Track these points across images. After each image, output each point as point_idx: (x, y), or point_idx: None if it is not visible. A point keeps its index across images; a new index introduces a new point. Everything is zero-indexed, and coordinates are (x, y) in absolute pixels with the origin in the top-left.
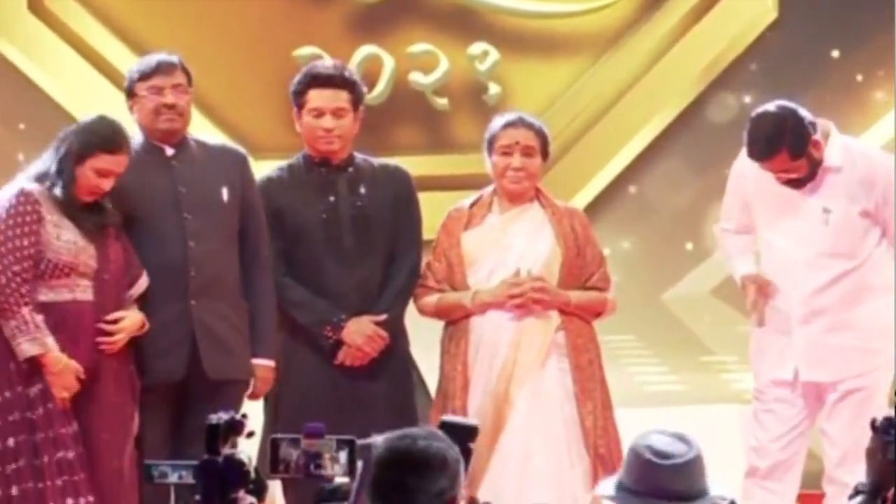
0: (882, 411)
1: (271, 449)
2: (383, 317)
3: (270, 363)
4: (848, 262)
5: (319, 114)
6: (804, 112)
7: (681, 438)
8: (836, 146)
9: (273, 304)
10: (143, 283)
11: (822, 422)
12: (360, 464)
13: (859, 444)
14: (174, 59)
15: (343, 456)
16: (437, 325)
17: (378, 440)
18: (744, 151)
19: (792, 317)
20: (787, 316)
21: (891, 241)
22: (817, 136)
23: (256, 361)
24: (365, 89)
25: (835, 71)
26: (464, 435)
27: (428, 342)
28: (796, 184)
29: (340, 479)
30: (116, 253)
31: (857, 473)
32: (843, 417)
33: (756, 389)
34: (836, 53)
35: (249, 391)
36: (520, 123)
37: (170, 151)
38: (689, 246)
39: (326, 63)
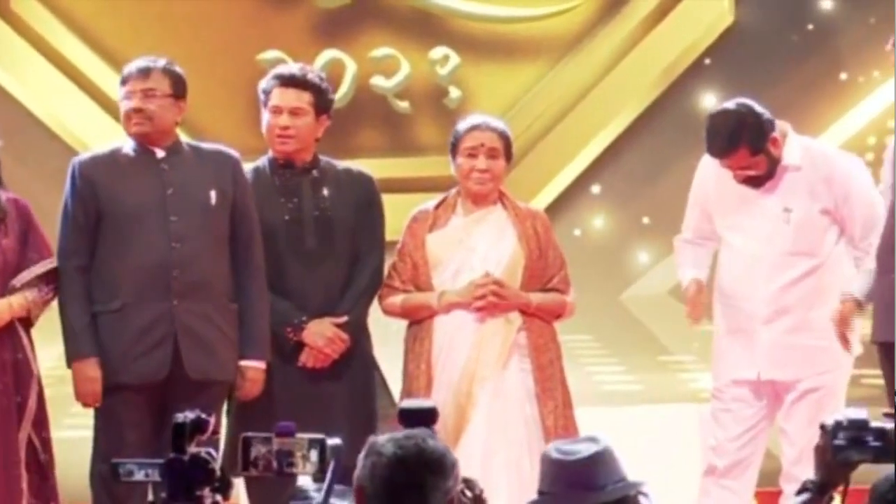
0: (839, 411)
1: (242, 447)
2: (344, 318)
3: (262, 365)
4: (810, 260)
5: (277, 112)
6: (762, 109)
7: (589, 438)
8: (794, 145)
9: (266, 306)
10: (35, 269)
11: (780, 421)
12: (331, 463)
13: (815, 441)
14: (155, 63)
15: (314, 455)
16: (401, 326)
17: (381, 440)
18: (705, 159)
19: (756, 316)
20: (749, 316)
21: (848, 239)
22: (776, 134)
23: (248, 363)
24: (333, 95)
25: (792, 72)
26: (424, 418)
27: (395, 343)
28: (755, 182)
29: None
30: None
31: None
32: (800, 416)
33: (715, 389)
34: (792, 56)
35: (240, 392)
36: (485, 126)
37: (160, 154)
38: (649, 246)
39: (294, 65)
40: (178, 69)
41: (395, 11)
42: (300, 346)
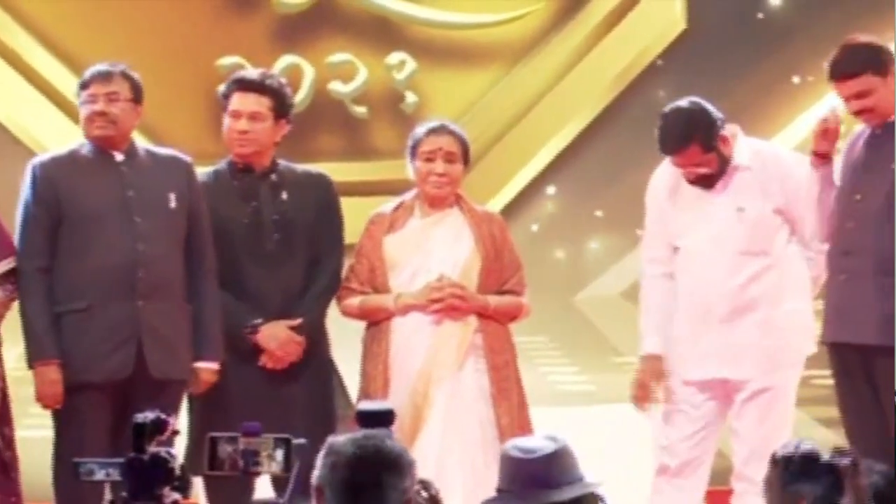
0: (789, 411)
1: (209, 447)
2: (298, 321)
3: (215, 366)
4: (763, 259)
5: (237, 116)
6: (713, 108)
7: (548, 437)
8: (744, 147)
9: (218, 307)
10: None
11: (731, 420)
12: (296, 463)
13: (767, 441)
14: (115, 68)
15: (280, 454)
16: (359, 327)
17: (339, 441)
18: (655, 174)
19: (711, 316)
20: (704, 316)
21: (800, 239)
22: (725, 133)
23: (203, 364)
24: (293, 100)
25: (745, 76)
26: (381, 420)
27: (352, 344)
28: (707, 182)
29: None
30: None
31: (764, 470)
32: (751, 416)
33: (667, 389)
34: (745, 60)
35: (193, 392)
36: (442, 130)
37: (119, 157)
38: (601, 249)
39: (255, 70)
40: (136, 75)
41: (353, 17)
42: (258, 347)
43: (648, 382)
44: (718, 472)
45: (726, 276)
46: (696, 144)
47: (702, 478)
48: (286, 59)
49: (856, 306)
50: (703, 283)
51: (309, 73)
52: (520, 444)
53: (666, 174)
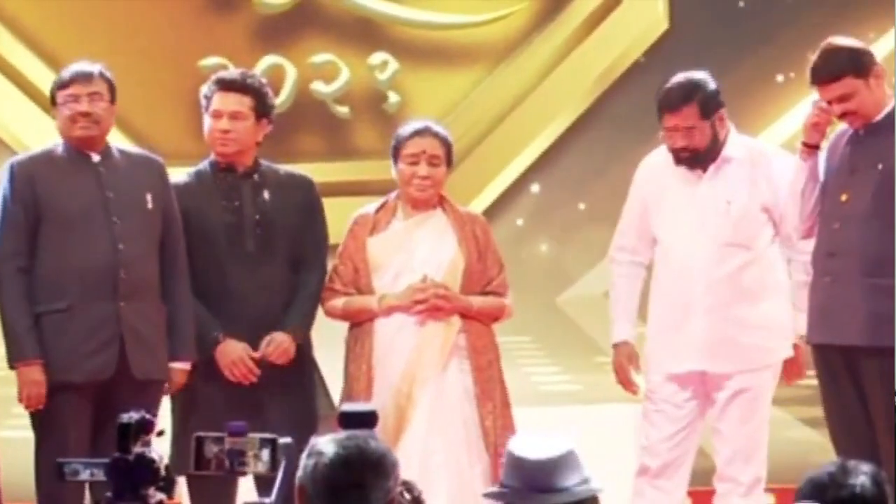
0: (768, 411)
1: (195, 446)
2: (292, 328)
3: (187, 366)
4: (746, 252)
5: (218, 116)
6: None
7: (555, 436)
8: (736, 141)
9: (191, 308)
10: None
11: (713, 420)
12: (282, 462)
13: (749, 441)
14: (94, 68)
15: (266, 454)
16: (342, 328)
17: (322, 441)
18: (644, 161)
19: (691, 308)
20: (684, 308)
21: (784, 238)
22: (723, 115)
23: (177, 365)
24: (274, 100)
25: (728, 76)
26: (364, 421)
27: (334, 345)
28: (694, 162)
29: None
30: None
31: (747, 471)
32: (733, 416)
33: (647, 389)
34: (728, 59)
35: (167, 392)
36: (426, 132)
37: (95, 158)
38: (584, 248)
39: (235, 70)
40: (110, 75)
41: (335, 17)
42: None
43: (626, 367)
44: (701, 472)
45: (709, 267)
46: (696, 105)
47: (683, 478)
48: (268, 60)
49: (841, 307)
50: (684, 273)
51: (291, 73)
52: (527, 442)
53: (653, 163)
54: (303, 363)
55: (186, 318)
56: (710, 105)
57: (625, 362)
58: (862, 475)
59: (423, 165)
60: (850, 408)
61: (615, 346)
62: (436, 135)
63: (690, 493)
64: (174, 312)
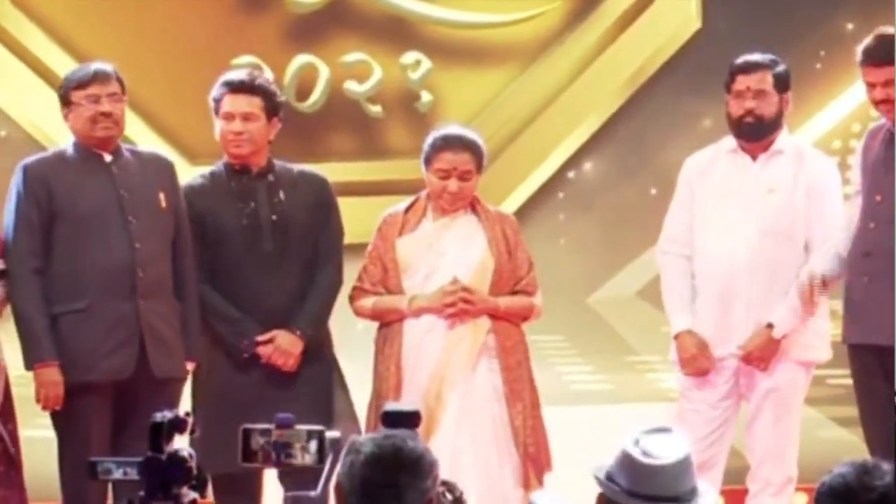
0: (800, 411)
1: (242, 439)
2: (303, 326)
3: (192, 366)
4: (788, 241)
5: (230, 118)
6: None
7: (672, 435)
8: (786, 138)
9: (198, 308)
10: None
11: (746, 420)
12: (330, 455)
13: (781, 440)
14: (109, 68)
15: (313, 446)
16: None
17: (361, 440)
18: (690, 158)
19: (734, 296)
20: (726, 298)
21: (808, 239)
22: (789, 99)
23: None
24: (282, 98)
25: None
26: (408, 420)
27: (354, 344)
28: (754, 131)
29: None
30: None
31: (779, 471)
32: (766, 416)
33: (683, 388)
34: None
35: None
36: (458, 146)
37: (108, 158)
38: (616, 248)
39: (240, 71)
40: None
41: (368, 17)
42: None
43: (698, 355)
44: (734, 471)
45: (750, 254)
46: (771, 74)
47: (715, 478)
48: (301, 59)
49: (877, 308)
50: (727, 260)
51: (324, 72)
52: (645, 443)
53: (701, 158)
54: (322, 361)
55: (195, 318)
56: (783, 80)
57: (695, 352)
58: (886, 475)
59: (453, 181)
60: (884, 408)
61: (677, 336)
62: (467, 147)
63: (724, 492)
64: (185, 312)
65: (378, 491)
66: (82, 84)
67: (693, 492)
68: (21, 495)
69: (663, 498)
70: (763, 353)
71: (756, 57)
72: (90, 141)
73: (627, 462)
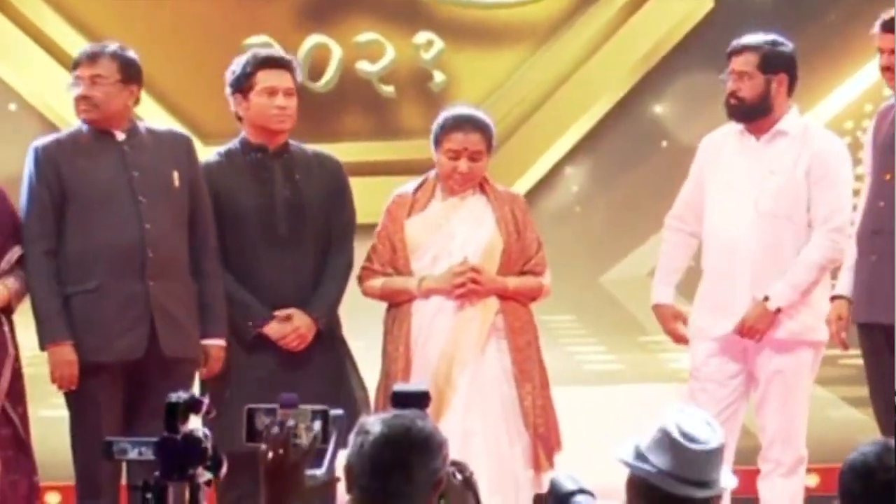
0: (809, 391)
1: (247, 419)
2: (318, 309)
3: (222, 342)
4: (788, 223)
5: (273, 92)
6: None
7: (708, 423)
8: (795, 118)
9: (221, 285)
10: (11, 256)
11: (756, 400)
12: (333, 434)
13: (790, 421)
14: (102, 48)
15: (318, 425)
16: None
17: (370, 420)
18: (707, 135)
19: (736, 277)
20: (728, 278)
21: (812, 219)
22: (781, 83)
23: (211, 342)
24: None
25: None
26: (417, 401)
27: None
28: (739, 114)
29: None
30: None
31: (789, 451)
32: (774, 396)
33: (692, 367)
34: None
35: (204, 370)
36: (468, 126)
37: (120, 136)
38: (627, 229)
39: (270, 48)
40: (129, 54)
41: None
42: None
43: (671, 322)
44: (746, 451)
45: (750, 235)
46: (756, 55)
47: (726, 458)
48: (313, 39)
49: (886, 286)
50: (729, 241)
51: (336, 52)
52: (684, 426)
53: (715, 136)
54: (334, 343)
55: (217, 296)
56: (771, 61)
57: (669, 319)
58: None
59: (463, 161)
60: (893, 386)
61: (654, 307)
62: (478, 128)
63: (735, 472)
64: (205, 290)
65: (388, 471)
66: (75, 65)
67: (719, 477)
68: (30, 480)
69: (698, 482)
70: (756, 323)
71: (746, 38)
72: (83, 122)
73: (669, 444)
